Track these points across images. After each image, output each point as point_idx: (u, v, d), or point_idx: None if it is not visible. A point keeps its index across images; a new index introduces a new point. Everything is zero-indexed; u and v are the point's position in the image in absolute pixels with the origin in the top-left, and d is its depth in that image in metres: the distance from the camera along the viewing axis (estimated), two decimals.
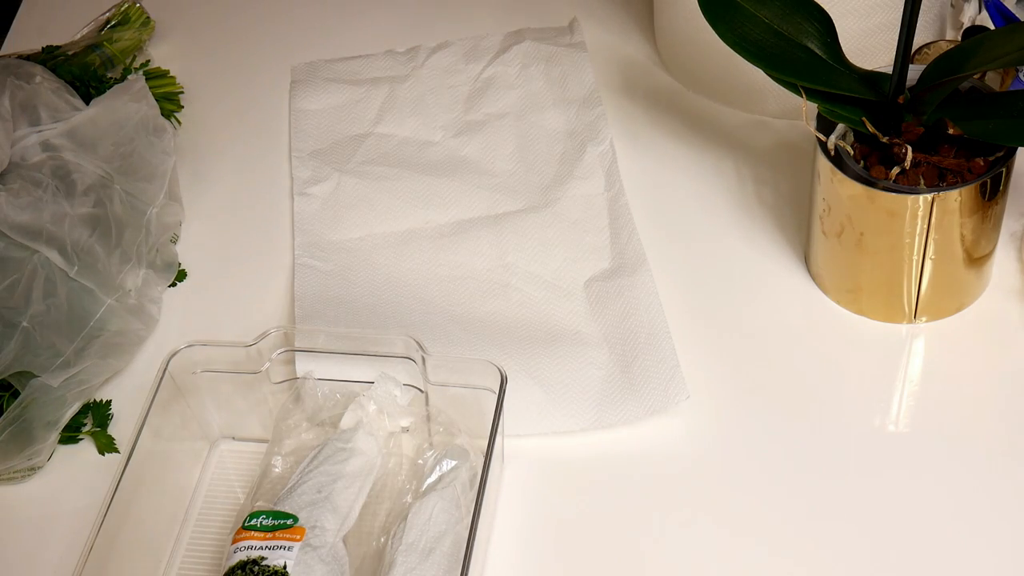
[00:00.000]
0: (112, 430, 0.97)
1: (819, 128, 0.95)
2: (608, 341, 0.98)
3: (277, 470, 0.89)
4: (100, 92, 1.08)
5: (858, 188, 0.92)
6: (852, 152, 0.94)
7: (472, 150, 1.15)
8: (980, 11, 1.13)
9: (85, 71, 1.14)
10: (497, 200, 1.10)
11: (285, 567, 0.80)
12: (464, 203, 1.10)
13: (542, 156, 1.14)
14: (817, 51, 0.94)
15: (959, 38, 1.13)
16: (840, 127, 0.96)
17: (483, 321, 1.01)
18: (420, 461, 0.89)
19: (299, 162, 1.16)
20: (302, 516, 0.83)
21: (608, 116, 1.17)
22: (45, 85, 1.04)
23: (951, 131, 0.93)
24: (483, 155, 1.15)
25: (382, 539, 0.86)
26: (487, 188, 1.11)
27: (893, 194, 0.91)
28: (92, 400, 0.98)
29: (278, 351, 0.92)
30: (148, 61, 1.27)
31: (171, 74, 1.22)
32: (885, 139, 0.92)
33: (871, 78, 0.94)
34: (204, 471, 0.94)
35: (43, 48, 1.18)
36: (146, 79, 1.12)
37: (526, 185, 1.12)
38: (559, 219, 1.08)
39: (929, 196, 0.90)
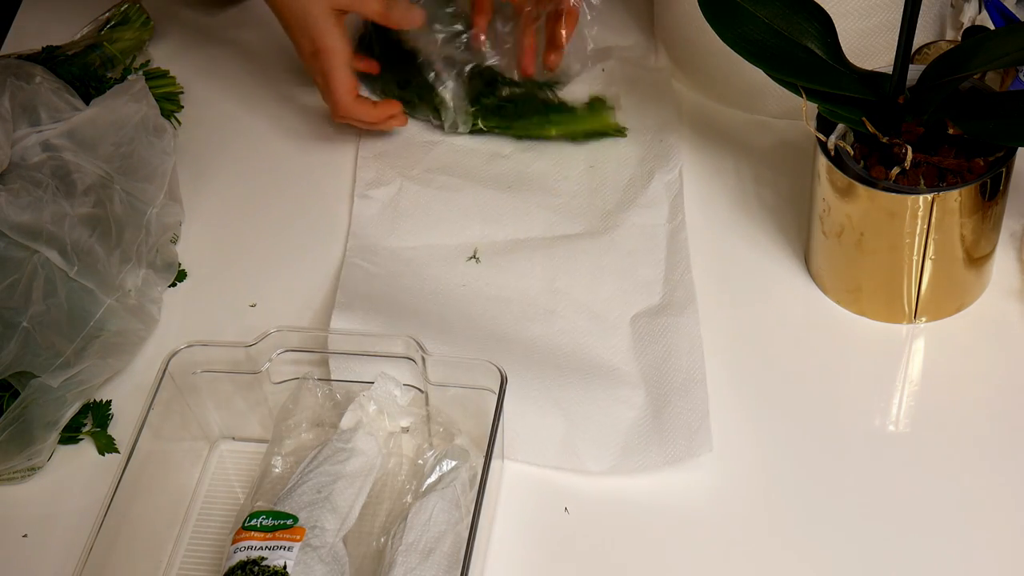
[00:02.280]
0: (112, 430, 0.97)
1: (819, 128, 0.95)
2: (645, 382, 0.95)
3: (277, 470, 0.89)
4: (100, 92, 1.08)
5: (858, 188, 0.92)
6: (852, 152, 0.94)
7: (540, 167, 1.13)
8: (980, 11, 1.13)
9: (85, 71, 1.13)
10: (555, 222, 1.08)
11: (285, 567, 0.80)
12: (522, 222, 1.09)
13: (609, 180, 1.12)
14: (817, 51, 0.94)
15: (959, 38, 1.13)
16: (840, 127, 0.96)
17: (523, 344, 0.99)
18: (420, 461, 0.89)
19: (364, 163, 1.15)
20: (302, 516, 0.83)
21: (681, 145, 1.14)
22: (45, 85, 1.04)
23: (951, 131, 0.93)
24: (550, 173, 1.13)
25: (382, 539, 0.86)
26: (548, 208, 1.09)
27: (893, 194, 0.91)
28: (92, 400, 0.98)
29: (278, 351, 0.92)
30: (148, 61, 1.27)
31: (171, 74, 1.22)
32: (885, 139, 0.93)
33: (871, 78, 0.94)
34: (204, 471, 0.94)
35: (43, 48, 1.18)
36: (146, 79, 1.12)
37: (588, 209, 1.09)
38: (615, 247, 1.05)
39: (929, 196, 0.90)
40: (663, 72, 1.21)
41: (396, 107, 1.14)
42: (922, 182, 0.92)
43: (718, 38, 0.94)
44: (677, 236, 1.06)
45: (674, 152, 1.13)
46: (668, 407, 0.93)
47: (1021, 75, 1.06)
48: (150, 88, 1.10)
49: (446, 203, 1.10)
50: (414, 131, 1.18)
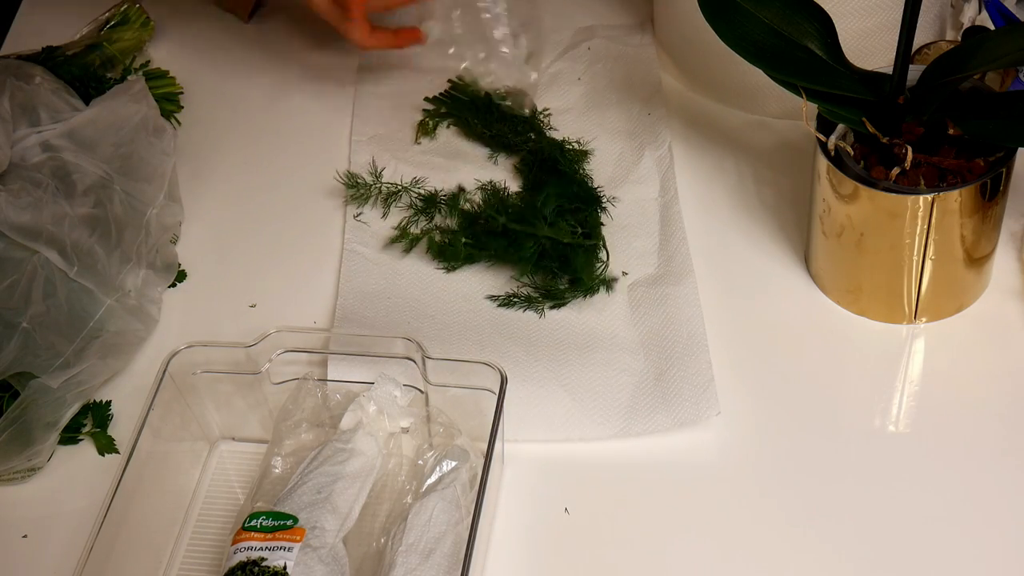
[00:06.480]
0: (112, 431, 0.97)
1: (819, 128, 0.95)
2: (645, 348, 0.97)
3: (277, 471, 0.89)
4: (100, 92, 1.08)
5: (858, 188, 0.92)
6: (852, 152, 0.94)
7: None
8: (980, 11, 1.13)
9: (85, 71, 1.13)
10: None
11: (285, 568, 0.80)
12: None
13: (599, 156, 1.13)
14: (817, 51, 0.94)
15: (959, 38, 1.13)
16: (840, 127, 0.96)
17: (520, 319, 1.00)
18: (420, 462, 0.89)
19: (358, 146, 1.16)
20: (302, 517, 0.83)
21: (669, 119, 1.15)
22: (45, 86, 1.04)
23: (951, 131, 0.93)
24: None
25: (382, 540, 0.86)
26: None
27: (893, 194, 0.91)
28: (92, 401, 0.98)
29: (278, 352, 0.92)
30: (148, 61, 1.27)
31: (171, 74, 1.22)
32: (885, 139, 0.93)
33: (871, 78, 0.94)
34: (204, 472, 0.94)
35: (43, 48, 1.18)
36: (146, 79, 1.12)
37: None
38: (609, 222, 1.06)
39: (929, 196, 0.90)
40: (648, 48, 1.23)
41: (415, 33, 1.16)
42: (922, 182, 0.92)
43: (718, 38, 0.94)
44: (670, 209, 1.07)
45: (662, 126, 1.14)
46: (671, 371, 0.95)
47: (1021, 75, 1.06)
48: (150, 88, 1.10)
49: (441, 183, 1.11)
50: (407, 114, 1.19)
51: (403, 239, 1.06)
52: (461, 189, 1.09)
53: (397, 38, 1.15)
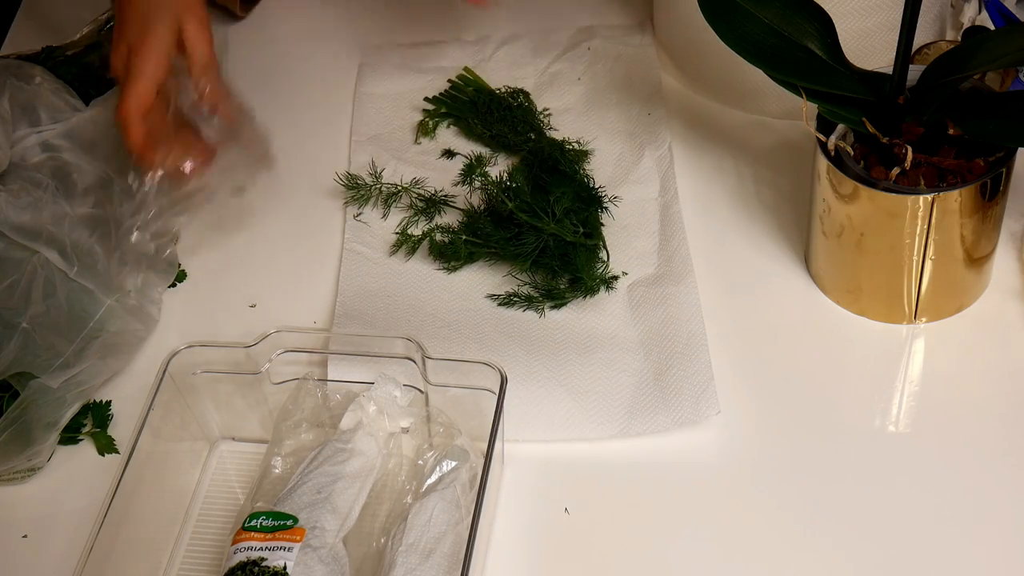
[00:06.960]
0: (112, 431, 0.97)
1: (819, 128, 0.95)
2: (645, 348, 0.97)
3: (277, 471, 0.89)
4: (100, 92, 1.08)
5: (858, 189, 0.92)
6: (852, 152, 0.94)
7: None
8: (980, 11, 1.13)
9: (85, 71, 1.14)
10: None
11: (285, 568, 0.80)
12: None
13: (599, 156, 1.13)
14: (817, 51, 0.94)
15: (959, 38, 1.13)
16: (840, 127, 0.96)
17: (521, 320, 1.00)
18: (420, 462, 0.89)
19: (358, 146, 1.16)
20: (302, 517, 0.83)
21: (669, 119, 1.16)
22: (45, 86, 1.04)
23: (951, 131, 0.93)
24: None
25: (382, 540, 0.86)
26: None
27: (893, 194, 0.91)
28: (92, 401, 0.98)
29: (278, 352, 0.92)
30: None
31: None
32: (885, 139, 0.92)
33: (871, 78, 0.94)
34: (204, 472, 0.94)
35: (43, 48, 1.18)
36: None
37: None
38: (609, 222, 1.07)
39: (929, 196, 0.90)
40: (648, 48, 1.23)
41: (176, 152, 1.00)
42: (922, 182, 0.92)
43: (718, 38, 0.94)
44: (670, 209, 1.08)
45: (662, 126, 1.15)
46: (671, 371, 0.95)
47: (1021, 75, 1.06)
48: None
49: (441, 183, 1.11)
50: (407, 114, 1.19)
51: (405, 244, 1.06)
52: (480, 157, 1.10)
53: (169, 154, 0.99)
